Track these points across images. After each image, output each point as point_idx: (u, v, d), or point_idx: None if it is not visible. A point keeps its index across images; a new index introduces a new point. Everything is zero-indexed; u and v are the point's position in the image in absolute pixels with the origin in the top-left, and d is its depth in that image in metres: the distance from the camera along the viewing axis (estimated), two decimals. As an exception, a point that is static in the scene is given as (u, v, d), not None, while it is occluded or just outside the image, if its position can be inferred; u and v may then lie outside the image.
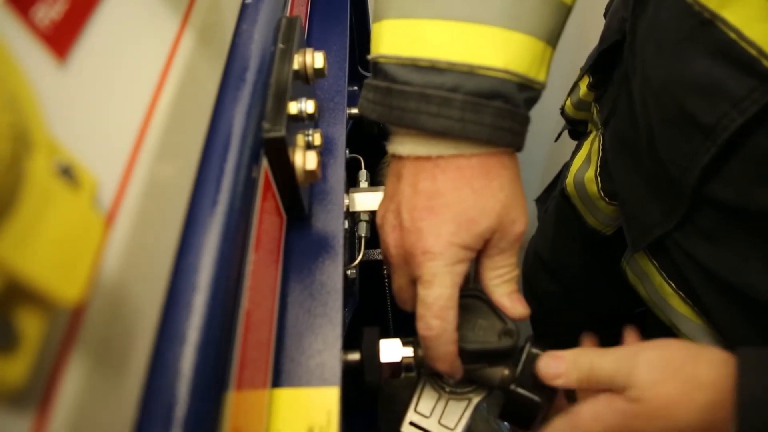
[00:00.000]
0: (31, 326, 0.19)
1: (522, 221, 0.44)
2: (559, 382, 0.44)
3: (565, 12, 0.45)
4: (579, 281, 0.84)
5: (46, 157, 0.19)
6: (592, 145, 0.70)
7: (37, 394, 0.20)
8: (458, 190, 0.42)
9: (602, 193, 0.66)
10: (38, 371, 0.20)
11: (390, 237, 0.45)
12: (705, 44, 0.39)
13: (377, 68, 0.44)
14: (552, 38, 0.44)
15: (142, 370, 0.26)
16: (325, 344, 0.43)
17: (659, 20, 0.46)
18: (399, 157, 0.45)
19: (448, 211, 0.42)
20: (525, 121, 0.44)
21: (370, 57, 0.45)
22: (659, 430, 0.39)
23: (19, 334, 0.18)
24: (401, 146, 0.44)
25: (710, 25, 0.39)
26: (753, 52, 0.36)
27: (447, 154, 0.43)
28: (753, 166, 0.40)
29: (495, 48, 0.41)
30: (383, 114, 0.43)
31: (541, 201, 0.90)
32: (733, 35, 0.37)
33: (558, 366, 0.44)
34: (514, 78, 0.41)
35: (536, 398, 0.45)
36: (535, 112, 0.46)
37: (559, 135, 0.84)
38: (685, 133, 0.43)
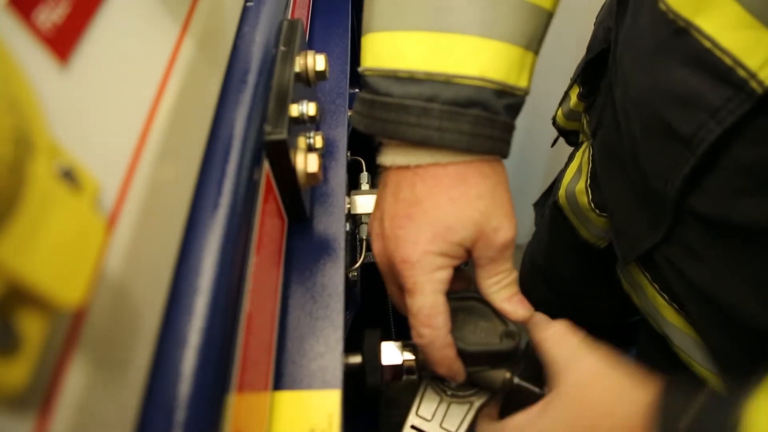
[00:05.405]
0: (32, 329, 0.19)
1: (507, 229, 0.43)
2: None
3: (545, 17, 0.44)
4: (574, 290, 0.84)
5: (47, 159, 0.19)
6: (582, 156, 0.69)
7: (38, 396, 0.20)
8: (436, 197, 0.42)
9: (592, 205, 0.65)
10: (40, 374, 0.20)
11: (375, 245, 0.46)
12: (681, 53, 0.38)
13: (364, 81, 0.44)
14: (531, 43, 0.44)
15: (143, 373, 0.26)
16: (326, 347, 0.43)
17: (636, 29, 0.45)
18: (385, 168, 0.45)
19: (425, 218, 0.42)
20: (507, 128, 0.43)
21: (359, 70, 0.45)
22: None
23: (20, 337, 0.18)
24: (385, 157, 0.45)
25: (685, 33, 0.38)
26: (728, 61, 0.35)
27: (425, 163, 0.43)
28: (733, 177, 0.39)
29: (469, 56, 0.41)
30: (369, 125, 0.44)
31: (538, 205, 0.89)
32: (708, 44, 0.36)
33: None
34: (490, 85, 0.41)
35: (538, 390, 0.45)
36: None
37: (555, 140, 0.84)
38: (666, 143, 0.42)
